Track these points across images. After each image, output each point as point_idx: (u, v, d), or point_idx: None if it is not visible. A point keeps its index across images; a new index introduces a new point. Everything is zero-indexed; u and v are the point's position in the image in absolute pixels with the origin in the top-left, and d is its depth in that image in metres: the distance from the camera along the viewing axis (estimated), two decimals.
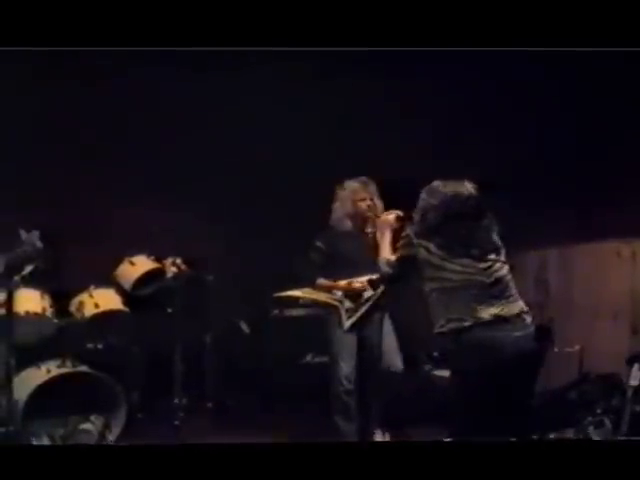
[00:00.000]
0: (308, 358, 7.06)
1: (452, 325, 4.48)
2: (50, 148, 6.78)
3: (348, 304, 5.57)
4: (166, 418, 6.25)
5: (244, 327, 6.66)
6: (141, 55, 5.66)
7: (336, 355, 5.65)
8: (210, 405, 6.61)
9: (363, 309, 5.56)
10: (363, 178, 5.89)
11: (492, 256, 4.56)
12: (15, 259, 5.32)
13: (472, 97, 7.01)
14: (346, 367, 5.58)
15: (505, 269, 4.60)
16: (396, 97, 6.96)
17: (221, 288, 6.68)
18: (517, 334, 4.49)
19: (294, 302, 6.98)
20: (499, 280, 4.54)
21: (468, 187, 4.61)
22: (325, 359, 6.97)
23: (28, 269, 5.70)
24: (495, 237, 4.64)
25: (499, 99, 6.96)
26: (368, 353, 5.51)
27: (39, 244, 5.18)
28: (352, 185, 5.88)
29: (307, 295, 5.68)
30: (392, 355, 5.60)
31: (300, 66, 6.45)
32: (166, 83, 6.90)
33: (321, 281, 5.62)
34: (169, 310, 6.47)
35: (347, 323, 5.58)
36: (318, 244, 5.80)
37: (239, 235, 7.07)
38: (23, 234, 5.25)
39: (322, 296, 5.53)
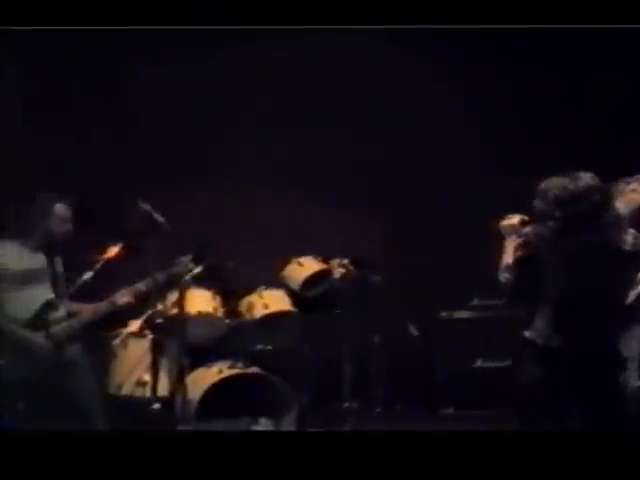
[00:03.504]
0: (479, 362, 6.81)
1: (529, 335, 4.09)
2: (218, 153, 6.81)
3: None
4: (336, 422, 6.12)
5: (413, 330, 6.44)
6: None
7: None
8: (379, 410, 6.44)
9: None
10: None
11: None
12: (170, 277, 5.57)
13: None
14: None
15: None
16: None
17: (389, 289, 6.49)
18: None
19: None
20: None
21: (586, 180, 3.99)
22: (496, 364, 6.77)
23: (199, 269, 5.73)
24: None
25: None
26: None
27: (191, 266, 5.54)
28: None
29: None
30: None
31: None
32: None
33: None
34: (337, 311, 6.34)
35: None
36: None
37: (406, 235, 6.93)
38: (182, 259, 5.52)
39: None
